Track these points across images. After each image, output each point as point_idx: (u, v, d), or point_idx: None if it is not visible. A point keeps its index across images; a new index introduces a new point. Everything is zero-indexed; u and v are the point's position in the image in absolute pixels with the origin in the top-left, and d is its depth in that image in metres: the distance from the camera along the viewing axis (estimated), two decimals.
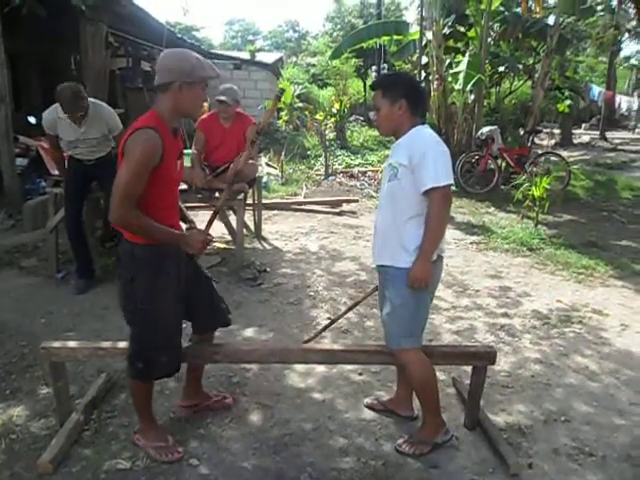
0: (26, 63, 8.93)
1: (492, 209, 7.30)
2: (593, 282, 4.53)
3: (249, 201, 5.38)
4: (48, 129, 3.90)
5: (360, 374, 2.97)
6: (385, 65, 15.36)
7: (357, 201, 7.35)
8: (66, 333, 3.30)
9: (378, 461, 2.28)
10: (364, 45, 10.91)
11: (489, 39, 9.38)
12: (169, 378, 2.41)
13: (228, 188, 2.56)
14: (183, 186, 4.27)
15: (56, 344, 2.37)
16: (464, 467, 2.25)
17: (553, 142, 15.10)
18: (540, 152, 9.37)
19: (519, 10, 9.98)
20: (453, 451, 2.34)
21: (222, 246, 5.08)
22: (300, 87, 13.29)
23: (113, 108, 4.12)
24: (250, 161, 4.55)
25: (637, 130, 20.69)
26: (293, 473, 2.20)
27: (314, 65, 20.20)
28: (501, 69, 11.40)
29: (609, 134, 17.64)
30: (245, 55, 14.25)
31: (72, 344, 2.43)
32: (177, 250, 2.11)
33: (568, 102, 13.72)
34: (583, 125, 21.07)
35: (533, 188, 6.20)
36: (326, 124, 11.21)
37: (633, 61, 27.72)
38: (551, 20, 9.62)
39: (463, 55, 9.42)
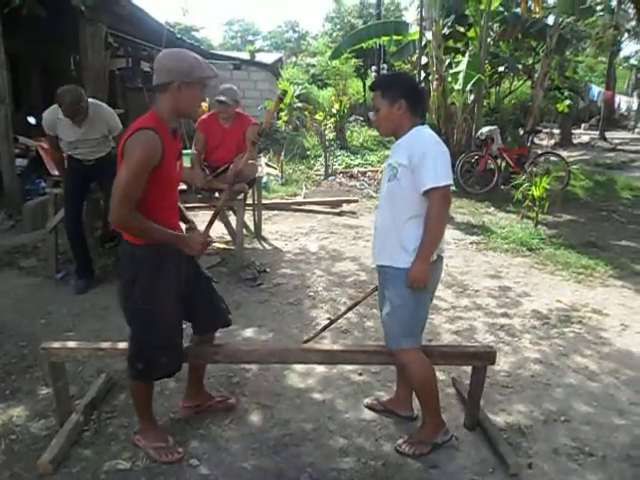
0: (26, 63, 8.94)
1: (492, 209, 7.30)
2: (593, 282, 4.53)
3: (249, 201, 5.38)
4: (48, 129, 3.90)
5: (360, 374, 2.97)
6: (385, 65, 15.37)
7: (357, 201, 7.36)
8: (66, 333, 3.30)
9: (378, 461, 2.27)
10: (364, 45, 10.92)
11: (489, 39, 9.39)
12: (169, 378, 2.41)
13: (229, 188, 2.56)
14: (183, 186, 4.27)
15: (56, 344, 2.37)
16: (464, 467, 2.25)
17: (553, 142, 15.10)
18: (540, 152, 9.37)
19: (518, 10, 10.01)
20: (453, 451, 2.34)
21: (222, 246, 5.08)
22: (300, 87, 13.30)
23: (113, 108, 4.12)
24: (250, 161, 4.55)
25: (636, 130, 20.69)
26: (293, 473, 2.20)
27: (314, 65, 20.20)
28: (501, 69, 11.42)
29: (609, 134, 17.63)
30: (245, 55, 14.26)
31: (72, 344, 2.43)
32: (177, 249, 2.11)
33: (568, 102, 13.74)
34: (583, 125, 21.08)
35: (533, 188, 6.20)
36: (326, 124, 11.21)
37: (632, 61, 27.72)
38: (550, 20, 9.63)
39: (463, 55, 9.43)
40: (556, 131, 16.27)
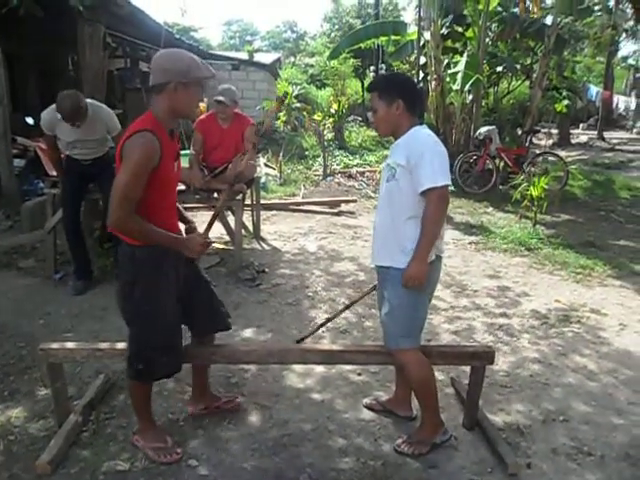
0: (24, 64, 8.91)
1: (490, 209, 7.31)
2: (591, 282, 4.54)
3: (247, 201, 5.38)
4: (47, 129, 3.89)
5: (359, 374, 2.97)
6: (383, 65, 15.37)
7: (355, 201, 7.36)
8: (64, 334, 3.30)
9: (377, 461, 2.28)
10: (362, 45, 10.91)
11: (487, 39, 9.41)
12: (168, 379, 2.40)
13: (228, 189, 2.55)
14: (181, 187, 4.26)
15: (54, 345, 2.37)
16: (463, 467, 2.26)
17: (551, 142, 15.10)
18: (538, 152, 9.39)
19: (517, 10, 10.01)
20: (452, 451, 2.34)
21: (221, 247, 5.08)
22: (298, 87, 13.27)
23: (111, 109, 4.12)
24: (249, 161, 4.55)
25: (635, 130, 20.70)
26: (292, 474, 2.20)
27: (312, 65, 20.18)
28: (499, 69, 11.40)
29: (607, 134, 17.64)
30: (243, 56, 14.26)
31: (70, 345, 2.42)
32: (175, 250, 2.10)
33: (566, 102, 13.74)
34: (581, 125, 21.08)
35: (531, 188, 6.21)
36: (324, 124, 11.19)
37: (631, 61, 27.81)
38: (549, 20, 9.66)
39: (461, 55, 9.43)
40: (554, 131, 16.28)
